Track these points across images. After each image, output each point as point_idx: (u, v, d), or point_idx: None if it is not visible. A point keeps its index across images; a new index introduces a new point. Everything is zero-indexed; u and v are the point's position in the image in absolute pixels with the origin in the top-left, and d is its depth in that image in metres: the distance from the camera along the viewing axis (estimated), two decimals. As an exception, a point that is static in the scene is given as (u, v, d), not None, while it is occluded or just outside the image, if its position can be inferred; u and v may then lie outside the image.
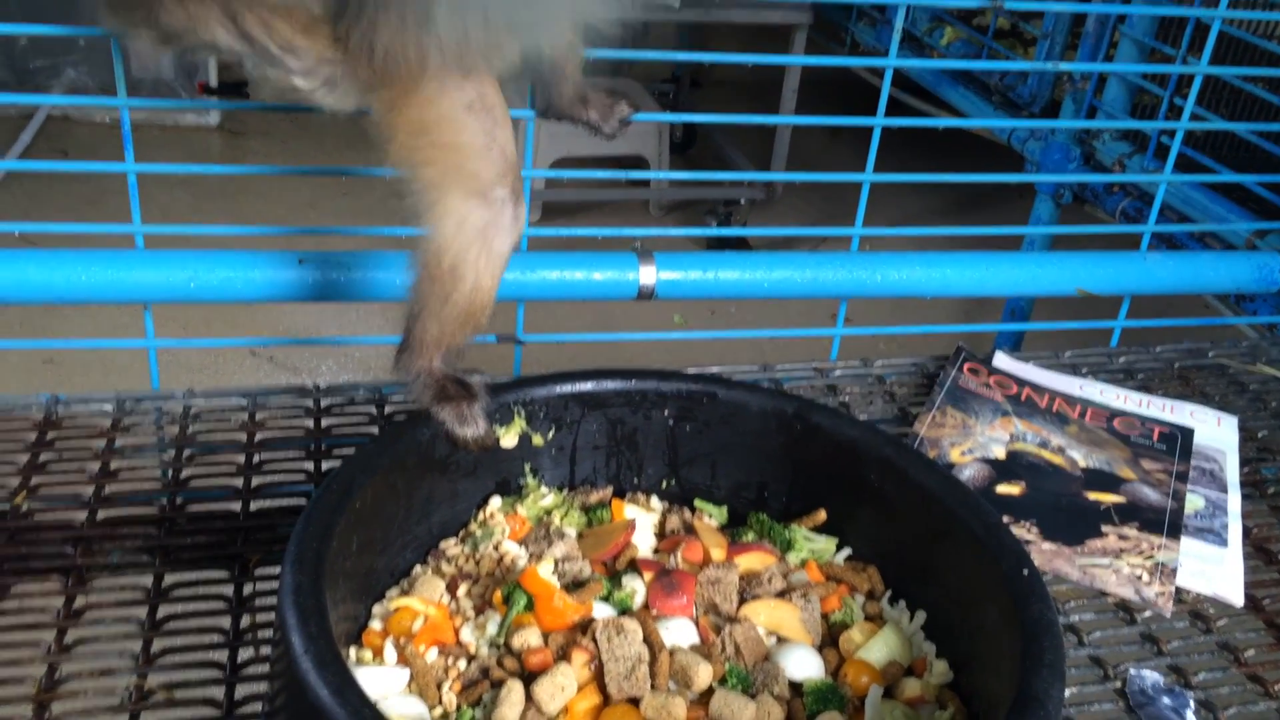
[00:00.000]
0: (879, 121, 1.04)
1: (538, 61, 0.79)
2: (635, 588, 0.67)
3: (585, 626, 0.63)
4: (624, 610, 0.65)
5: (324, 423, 0.87)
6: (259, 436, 0.84)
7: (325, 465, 0.82)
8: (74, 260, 0.87)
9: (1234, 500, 0.89)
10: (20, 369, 2.20)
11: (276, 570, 0.71)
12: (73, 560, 0.72)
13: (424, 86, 0.64)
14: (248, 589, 0.71)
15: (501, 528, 0.71)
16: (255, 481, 0.80)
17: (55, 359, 2.24)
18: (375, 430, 0.86)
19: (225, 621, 0.69)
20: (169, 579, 0.71)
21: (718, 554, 0.70)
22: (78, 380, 2.18)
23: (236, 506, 0.78)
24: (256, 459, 0.82)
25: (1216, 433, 0.97)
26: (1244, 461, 0.94)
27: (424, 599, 0.65)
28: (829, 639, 0.67)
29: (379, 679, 0.60)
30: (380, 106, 0.66)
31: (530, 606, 0.63)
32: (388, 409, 0.89)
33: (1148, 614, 0.77)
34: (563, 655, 0.61)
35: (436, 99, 0.65)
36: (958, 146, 2.22)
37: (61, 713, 0.62)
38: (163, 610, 0.69)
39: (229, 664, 0.66)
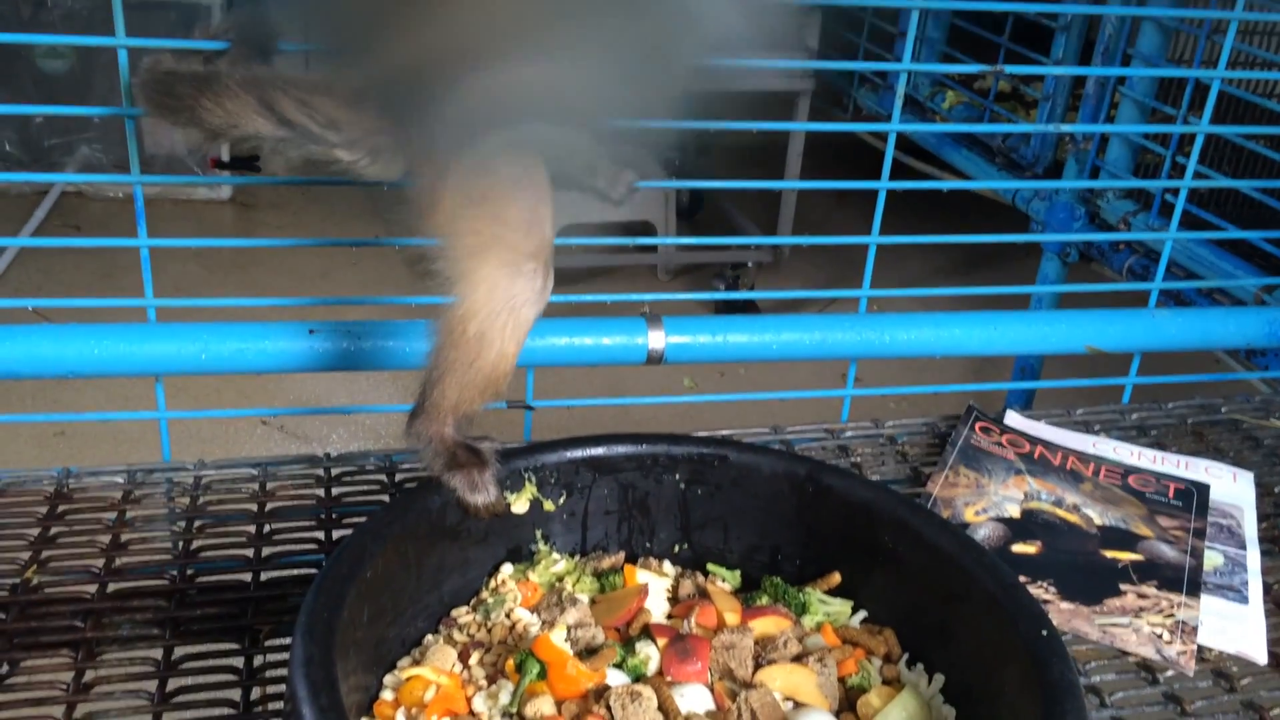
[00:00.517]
0: (884, 185, 1.05)
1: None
2: (649, 654, 0.66)
3: (599, 694, 0.62)
4: (638, 677, 0.65)
5: (334, 491, 0.87)
6: (269, 506, 0.84)
7: (336, 534, 0.82)
8: (87, 335, 0.88)
9: (1253, 556, 0.88)
10: (32, 440, 2.21)
11: (287, 641, 0.71)
12: (82, 634, 0.71)
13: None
14: (258, 660, 0.70)
15: (513, 595, 0.71)
16: (266, 552, 0.80)
17: (67, 430, 2.25)
18: (386, 498, 0.86)
19: (235, 694, 0.68)
20: (179, 651, 0.71)
21: (732, 618, 0.69)
22: (89, 451, 2.18)
23: (247, 577, 0.77)
24: (267, 529, 0.82)
25: (1232, 488, 0.96)
26: (1262, 517, 0.93)
27: (436, 668, 0.64)
28: (846, 704, 0.66)
29: (391, 751, 0.59)
30: (430, 176, 0.67)
31: (543, 675, 0.63)
32: (398, 477, 0.89)
33: (1170, 673, 0.75)
34: (577, 724, 0.60)
35: (489, 171, 0.66)
36: (963, 207, 2.24)
37: (70, 790, 0.61)
38: (172, 683, 0.68)
39: (239, 738, 0.65)
